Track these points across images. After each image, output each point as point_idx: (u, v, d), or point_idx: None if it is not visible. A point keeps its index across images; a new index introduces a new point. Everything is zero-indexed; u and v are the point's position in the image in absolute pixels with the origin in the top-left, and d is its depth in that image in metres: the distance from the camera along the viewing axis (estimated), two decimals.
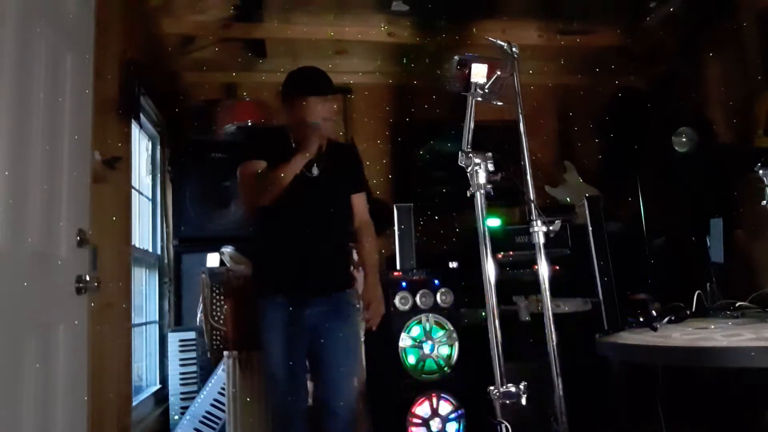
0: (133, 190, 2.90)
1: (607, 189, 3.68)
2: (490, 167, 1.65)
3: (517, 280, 3.07)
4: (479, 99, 1.75)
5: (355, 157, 2.48)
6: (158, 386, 3.33)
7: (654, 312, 2.13)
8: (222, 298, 2.70)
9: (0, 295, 1.36)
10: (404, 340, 2.93)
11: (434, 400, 2.89)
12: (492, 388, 1.57)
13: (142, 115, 3.19)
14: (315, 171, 2.24)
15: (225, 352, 2.59)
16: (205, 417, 2.87)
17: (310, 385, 2.32)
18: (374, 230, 2.43)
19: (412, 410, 2.87)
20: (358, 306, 2.33)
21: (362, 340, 2.58)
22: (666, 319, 2.04)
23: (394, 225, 3.07)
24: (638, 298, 3.12)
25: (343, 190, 2.35)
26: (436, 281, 3.03)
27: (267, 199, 2.16)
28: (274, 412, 2.24)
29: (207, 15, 3.38)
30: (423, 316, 2.96)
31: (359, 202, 2.41)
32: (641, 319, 2.07)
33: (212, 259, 2.94)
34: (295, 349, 2.17)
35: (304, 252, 2.17)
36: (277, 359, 2.15)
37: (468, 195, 1.66)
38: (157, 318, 3.49)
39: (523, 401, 1.54)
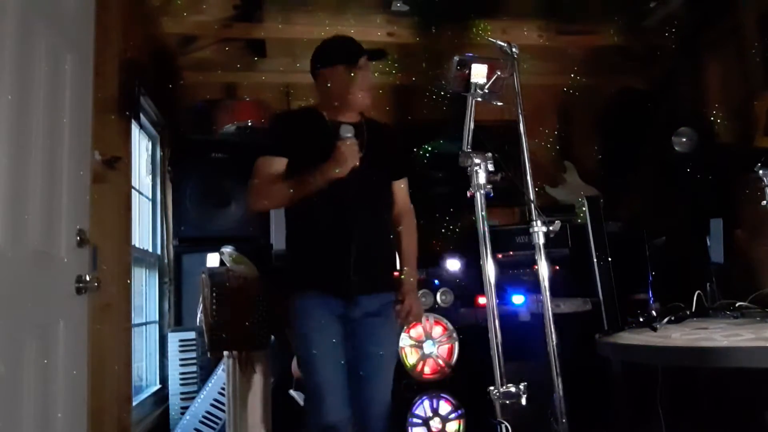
0: (133, 190, 2.90)
1: (607, 189, 3.68)
2: (490, 167, 1.65)
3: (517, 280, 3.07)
4: (479, 99, 1.75)
5: (397, 139, 2.26)
6: (158, 386, 3.33)
7: (654, 312, 2.13)
8: (222, 298, 2.70)
9: (0, 295, 1.36)
10: (404, 340, 2.93)
11: (434, 400, 2.89)
12: (492, 388, 1.57)
13: (142, 115, 3.18)
14: None
15: (225, 352, 2.58)
16: (205, 417, 2.86)
17: None
18: (414, 218, 2.22)
19: (412, 410, 2.87)
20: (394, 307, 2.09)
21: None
22: (666, 319, 2.04)
23: None
24: (638, 298, 3.12)
25: (384, 175, 2.12)
26: (436, 281, 3.03)
27: (279, 206, 2.04)
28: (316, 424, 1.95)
29: (207, 15, 3.39)
30: (423, 316, 2.96)
31: (401, 188, 2.18)
32: (641, 319, 2.07)
33: (212, 259, 2.94)
34: (339, 355, 1.95)
35: (345, 245, 1.95)
36: (321, 367, 1.93)
37: (468, 195, 1.66)
38: (157, 318, 3.49)
39: (523, 401, 1.54)
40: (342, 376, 1.96)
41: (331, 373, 1.93)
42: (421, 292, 2.96)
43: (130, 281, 2.67)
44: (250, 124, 3.43)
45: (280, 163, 2.02)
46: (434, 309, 2.98)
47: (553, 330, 1.66)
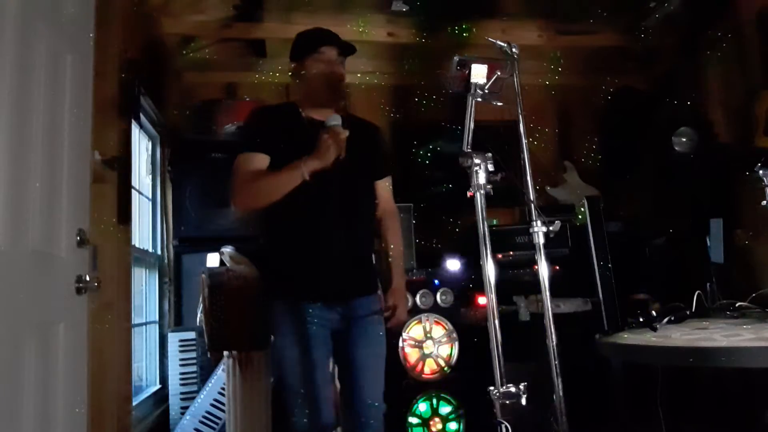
0: (133, 190, 2.90)
1: (607, 189, 3.68)
2: (490, 167, 1.65)
3: (517, 280, 3.07)
4: (479, 99, 1.75)
5: (380, 137, 2.20)
6: (158, 386, 3.33)
7: (654, 312, 2.13)
8: (222, 298, 2.70)
9: (0, 295, 1.36)
10: (404, 340, 2.93)
11: (434, 400, 2.89)
12: (492, 388, 1.56)
13: (142, 115, 3.18)
14: None
15: (225, 352, 2.58)
16: (205, 417, 2.86)
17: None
18: (399, 220, 2.18)
19: (412, 410, 2.87)
20: (381, 310, 2.05)
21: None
22: (666, 319, 2.04)
23: None
24: (638, 298, 3.12)
25: (367, 175, 2.08)
26: (436, 281, 3.03)
27: (265, 203, 1.93)
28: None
29: (207, 15, 3.39)
30: (423, 316, 2.96)
31: (384, 188, 2.14)
32: (641, 319, 2.07)
33: (212, 259, 2.94)
34: (320, 361, 1.92)
35: (323, 250, 1.92)
36: (302, 372, 1.89)
37: (468, 195, 1.66)
38: (157, 318, 3.49)
39: (523, 401, 1.54)
40: (326, 382, 1.94)
41: (315, 380, 1.89)
42: (421, 292, 2.97)
43: (130, 281, 2.67)
44: None
45: (261, 160, 1.96)
46: (434, 309, 2.98)
47: (553, 330, 1.66)
